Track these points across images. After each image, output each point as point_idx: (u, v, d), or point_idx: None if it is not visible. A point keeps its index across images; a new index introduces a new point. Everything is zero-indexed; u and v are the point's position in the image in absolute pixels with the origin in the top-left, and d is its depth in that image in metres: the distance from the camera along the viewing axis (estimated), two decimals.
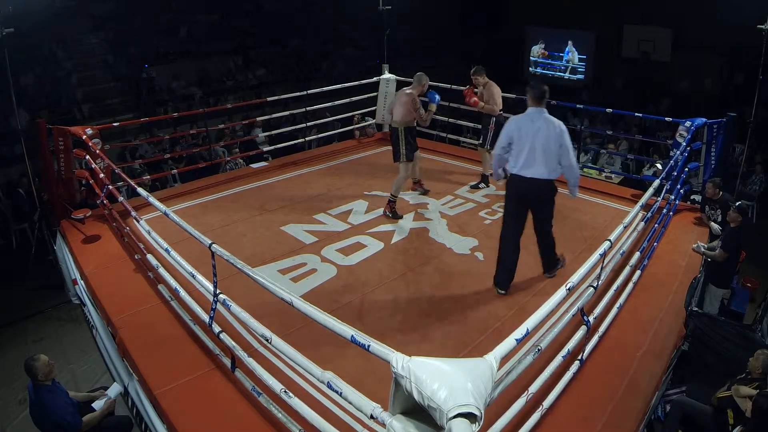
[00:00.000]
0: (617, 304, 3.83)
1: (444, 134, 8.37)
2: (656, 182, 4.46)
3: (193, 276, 3.49)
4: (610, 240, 3.18)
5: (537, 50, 16.21)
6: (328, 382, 2.25)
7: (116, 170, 5.36)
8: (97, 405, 3.71)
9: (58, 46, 11.84)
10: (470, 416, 1.64)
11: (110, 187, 5.06)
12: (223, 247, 3.15)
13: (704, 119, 5.67)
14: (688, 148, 5.53)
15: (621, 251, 4.14)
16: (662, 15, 13.08)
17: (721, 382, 3.53)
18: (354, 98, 8.18)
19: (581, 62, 15.43)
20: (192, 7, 13.83)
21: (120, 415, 3.85)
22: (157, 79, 12.49)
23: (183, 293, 3.75)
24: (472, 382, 1.73)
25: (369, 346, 2.04)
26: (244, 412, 3.06)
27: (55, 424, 3.33)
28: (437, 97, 5.67)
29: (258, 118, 9.28)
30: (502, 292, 4.18)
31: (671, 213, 5.32)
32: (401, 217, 5.55)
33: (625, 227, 3.58)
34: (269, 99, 7.99)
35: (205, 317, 3.42)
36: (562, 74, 15.89)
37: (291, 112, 8.32)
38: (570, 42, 15.34)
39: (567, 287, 2.67)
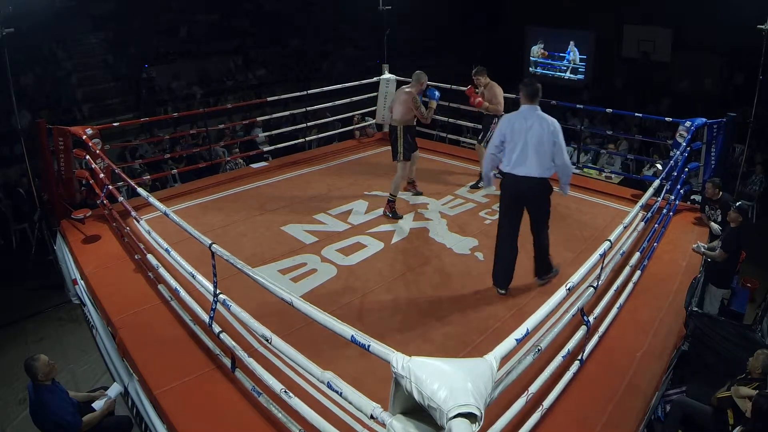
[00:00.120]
0: (617, 305, 3.83)
1: (444, 134, 8.38)
2: (656, 182, 4.46)
3: (193, 276, 3.49)
4: (610, 240, 3.18)
5: (537, 50, 16.21)
6: (328, 382, 2.25)
7: (116, 170, 5.36)
8: (97, 405, 3.71)
9: (58, 46, 11.85)
10: (470, 416, 1.64)
11: (110, 187, 5.06)
12: (223, 247, 3.15)
13: (704, 119, 5.67)
14: (688, 149, 5.53)
15: (621, 251, 4.14)
16: (662, 15, 13.09)
17: (721, 382, 3.53)
18: (354, 98, 8.18)
19: (581, 62, 15.44)
20: (192, 7, 13.83)
21: (120, 415, 3.84)
22: (157, 79, 12.50)
23: (183, 293, 3.75)
24: (472, 382, 1.73)
25: (369, 346, 2.04)
26: (244, 412, 3.06)
27: (55, 424, 3.33)
28: (437, 93, 5.68)
29: (258, 118, 9.30)
30: (503, 292, 4.18)
31: (671, 213, 5.32)
32: (401, 217, 5.55)
33: (625, 227, 3.58)
34: (269, 99, 7.99)
35: (205, 317, 3.42)
36: (562, 74, 15.90)
37: (291, 112, 8.31)
38: (572, 42, 15.33)
39: (567, 287, 2.67)
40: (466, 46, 15.69)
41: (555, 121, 3.88)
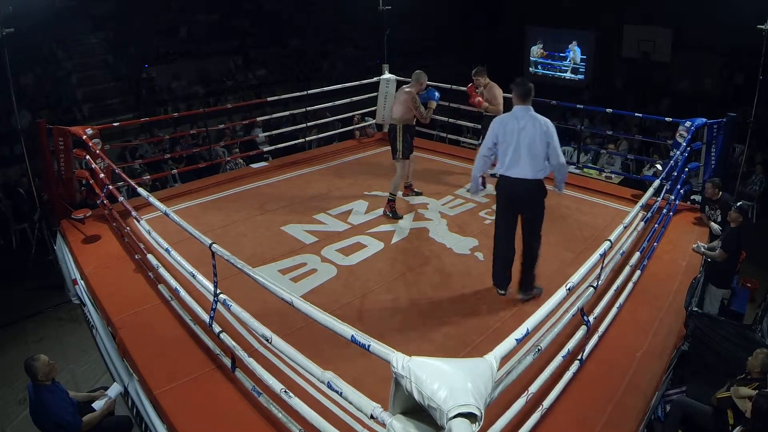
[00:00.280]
0: (617, 304, 3.83)
1: (444, 134, 8.38)
2: (656, 182, 4.47)
3: (193, 276, 3.49)
4: (610, 240, 3.18)
5: (537, 50, 16.21)
6: (328, 382, 2.25)
7: (116, 170, 5.36)
8: (97, 405, 3.71)
9: (58, 46, 11.84)
10: (470, 416, 1.64)
11: (110, 187, 5.06)
12: (223, 247, 3.16)
13: (704, 119, 5.67)
14: (688, 149, 5.53)
15: (621, 251, 4.14)
16: (662, 15, 13.09)
17: (721, 382, 3.53)
18: (354, 98, 8.18)
19: (581, 62, 15.44)
20: (192, 7, 13.83)
21: (120, 415, 3.85)
22: (157, 79, 12.49)
23: (183, 293, 3.76)
24: (472, 382, 1.73)
25: (369, 346, 2.04)
26: (244, 412, 3.06)
27: (55, 424, 3.33)
28: (437, 94, 5.68)
29: (258, 118, 9.30)
30: (502, 292, 4.17)
31: (671, 213, 5.32)
32: (401, 217, 5.55)
33: (625, 227, 3.58)
34: (269, 99, 8.00)
35: (206, 317, 3.42)
36: (562, 74, 15.90)
37: (291, 112, 8.32)
38: (575, 42, 15.32)
39: (567, 287, 2.67)
40: (466, 46, 15.69)
41: (548, 121, 3.82)
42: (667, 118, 6.25)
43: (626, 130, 10.35)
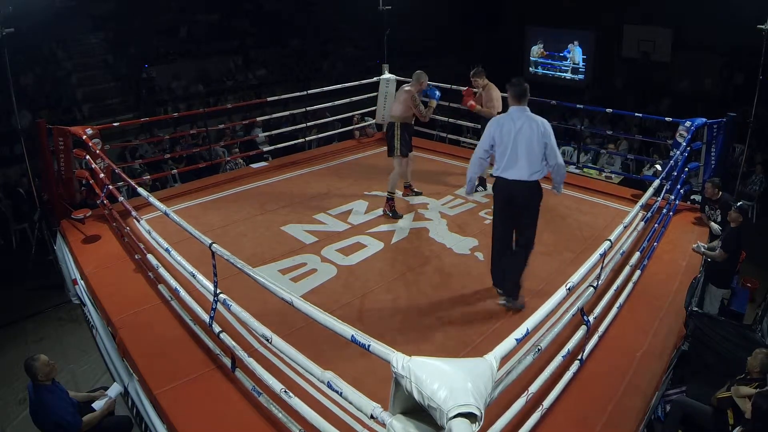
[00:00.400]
0: (617, 304, 3.83)
1: (444, 134, 8.38)
2: (656, 182, 4.46)
3: (193, 276, 3.49)
4: (610, 240, 3.17)
5: (536, 50, 16.21)
6: (328, 382, 2.25)
7: (116, 170, 5.36)
8: (97, 405, 3.71)
9: (58, 46, 11.84)
10: (470, 416, 1.64)
11: (110, 187, 5.06)
12: (223, 247, 3.15)
13: (704, 119, 5.67)
14: (688, 148, 5.53)
15: (621, 251, 4.14)
16: (662, 15, 13.09)
17: (721, 382, 3.53)
18: (354, 98, 8.18)
19: (582, 62, 15.44)
20: (192, 7, 13.83)
21: (120, 415, 3.84)
22: (157, 79, 12.49)
23: (183, 293, 3.76)
24: (472, 382, 1.73)
25: (369, 346, 2.04)
26: (244, 412, 3.06)
27: (55, 424, 3.33)
28: (437, 93, 5.69)
29: (258, 118, 9.29)
30: (502, 292, 4.16)
31: (671, 213, 5.32)
32: (401, 217, 5.55)
33: (625, 227, 3.57)
34: (269, 99, 8.00)
35: (206, 317, 3.42)
36: (562, 74, 15.90)
37: (291, 112, 8.32)
38: (576, 42, 15.32)
39: (567, 287, 2.67)
40: (466, 46, 15.69)
41: (545, 121, 3.76)
42: (667, 118, 6.25)
43: (626, 130, 10.35)
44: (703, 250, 4.82)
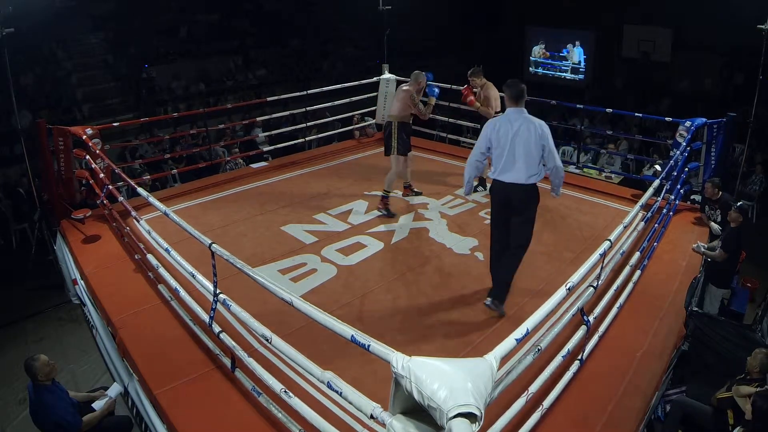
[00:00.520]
0: (617, 304, 3.83)
1: (444, 134, 8.37)
2: (656, 182, 4.46)
3: (193, 276, 3.49)
4: (610, 240, 3.17)
5: (538, 50, 16.20)
6: (328, 382, 2.25)
7: (116, 170, 5.36)
8: (97, 405, 3.71)
9: (58, 46, 11.84)
10: (470, 416, 1.64)
11: (110, 187, 5.06)
12: (223, 247, 3.15)
13: (704, 119, 5.67)
14: (688, 148, 5.53)
15: (621, 251, 4.14)
16: (662, 15, 13.09)
17: (721, 382, 3.53)
18: (354, 98, 8.18)
19: (582, 62, 15.43)
20: (192, 7, 13.83)
21: (120, 415, 3.85)
22: (157, 79, 12.50)
23: (183, 293, 3.75)
24: (472, 382, 1.73)
25: (369, 346, 2.04)
26: (244, 412, 3.06)
27: (55, 424, 3.33)
28: (437, 91, 5.69)
29: (258, 118, 9.30)
30: (490, 293, 4.13)
31: (671, 213, 5.32)
32: (395, 215, 5.55)
33: (625, 227, 3.57)
34: (269, 99, 7.99)
35: (205, 317, 3.42)
36: (562, 74, 15.90)
37: (291, 112, 8.32)
38: (576, 42, 15.32)
39: (567, 287, 2.67)
40: (466, 46, 15.69)
41: (543, 123, 3.69)
42: (667, 118, 6.25)
43: (626, 130, 10.35)
44: (703, 250, 4.82)
